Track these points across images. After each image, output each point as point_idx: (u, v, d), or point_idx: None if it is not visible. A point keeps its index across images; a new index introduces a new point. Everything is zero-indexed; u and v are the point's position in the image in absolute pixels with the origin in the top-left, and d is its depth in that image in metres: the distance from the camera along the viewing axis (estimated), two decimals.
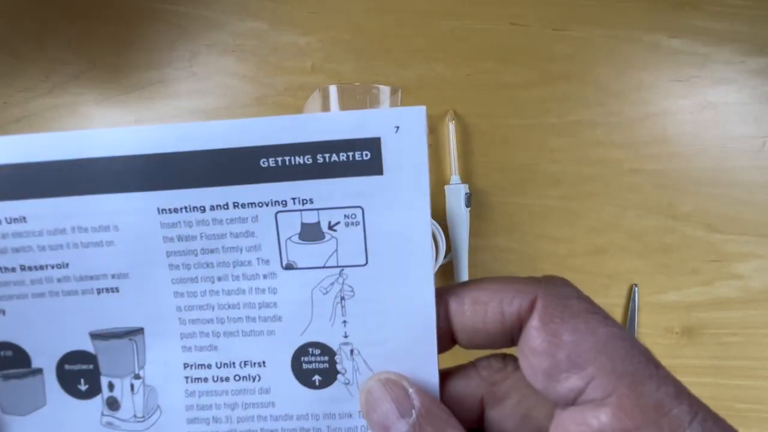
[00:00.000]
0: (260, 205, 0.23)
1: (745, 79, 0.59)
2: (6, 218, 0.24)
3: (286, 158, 0.22)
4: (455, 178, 0.56)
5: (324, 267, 0.24)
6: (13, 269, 0.24)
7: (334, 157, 0.22)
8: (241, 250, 0.24)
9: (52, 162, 0.23)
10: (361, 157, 0.22)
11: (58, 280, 0.24)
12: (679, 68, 0.59)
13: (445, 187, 0.57)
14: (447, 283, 0.25)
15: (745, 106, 0.59)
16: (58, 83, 0.57)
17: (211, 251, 0.24)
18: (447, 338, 0.23)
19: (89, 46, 0.57)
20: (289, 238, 0.24)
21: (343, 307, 0.24)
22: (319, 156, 0.22)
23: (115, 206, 0.23)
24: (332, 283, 0.24)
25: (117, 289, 0.24)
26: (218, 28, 0.58)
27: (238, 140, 0.22)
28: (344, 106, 0.49)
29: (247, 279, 0.24)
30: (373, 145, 0.22)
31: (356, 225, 0.23)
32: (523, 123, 0.59)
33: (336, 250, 0.24)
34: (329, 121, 0.22)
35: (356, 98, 0.50)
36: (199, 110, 0.57)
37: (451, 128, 0.57)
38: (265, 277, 0.24)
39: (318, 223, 0.23)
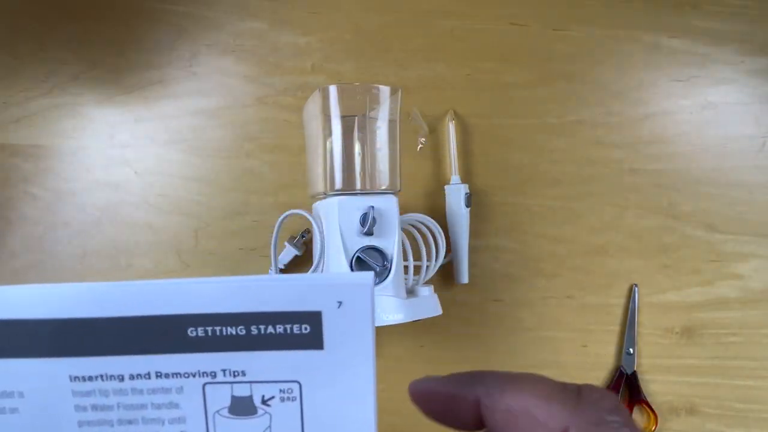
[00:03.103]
0: (186, 375, 0.22)
1: (745, 79, 0.59)
2: None
3: (217, 328, 0.21)
4: (455, 178, 0.56)
5: None
6: None
7: (270, 329, 0.21)
8: (163, 422, 0.22)
9: None
10: (300, 331, 0.21)
11: None
12: (679, 68, 0.59)
13: (445, 187, 0.57)
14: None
15: (745, 106, 0.59)
16: (58, 83, 0.57)
17: (130, 422, 0.22)
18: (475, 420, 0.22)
19: (89, 46, 0.57)
20: (218, 411, 0.22)
21: None
22: (253, 327, 0.21)
23: (19, 371, 0.21)
24: None
25: None
26: (218, 28, 0.58)
27: (163, 307, 0.21)
28: (344, 106, 0.49)
29: None
30: (313, 318, 0.21)
31: (293, 401, 0.22)
32: (523, 123, 0.59)
33: (269, 427, 0.22)
34: (265, 291, 0.21)
35: (356, 98, 0.50)
36: (199, 110, 0.57)
37: (451, 128, 0.57)
38: None
39: (250, 397, 0.22)
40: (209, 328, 0.21)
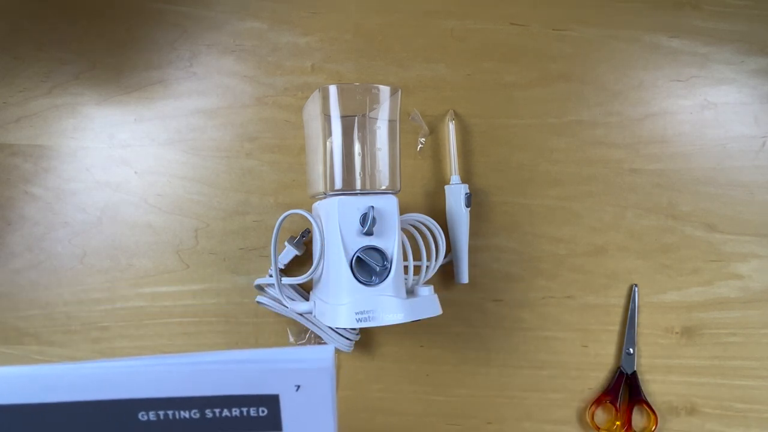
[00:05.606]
0: None
1: (745, 79, 0.59)
2: None
3: (169, 412, 0.20)
4: (455, 178, 0.56)
5: None
6: None
7: (226, 413, 0.20)
8: None
9: None
10: (257, 413, 0.20)
11: None
12: (679, 68, 0.59)
13: (445, 187, 0.57)
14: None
15: (745, 106, 0.59)
16: (58, 83, 0.57)
17: None
18: None
19: (89, 46, 0.57)
20: None
21: None
22: (207, 411, 0.20)
23: None
24: None
25: None
26: (218, 28, 0.58)
27: (112, 391, 0.19)
28: (344, 106, 0.49)
29: None
30: (270, 401, 0.20)
31: None
32: (523, 123, 0.59)
33: None
34: (220, 375, 0.20)
35: (356, 98, 0.50)
36: (199, 110, 0.57)
37: (451, 128, 0.57)
38: None
39: None
40: (161, 412, 0.20)
